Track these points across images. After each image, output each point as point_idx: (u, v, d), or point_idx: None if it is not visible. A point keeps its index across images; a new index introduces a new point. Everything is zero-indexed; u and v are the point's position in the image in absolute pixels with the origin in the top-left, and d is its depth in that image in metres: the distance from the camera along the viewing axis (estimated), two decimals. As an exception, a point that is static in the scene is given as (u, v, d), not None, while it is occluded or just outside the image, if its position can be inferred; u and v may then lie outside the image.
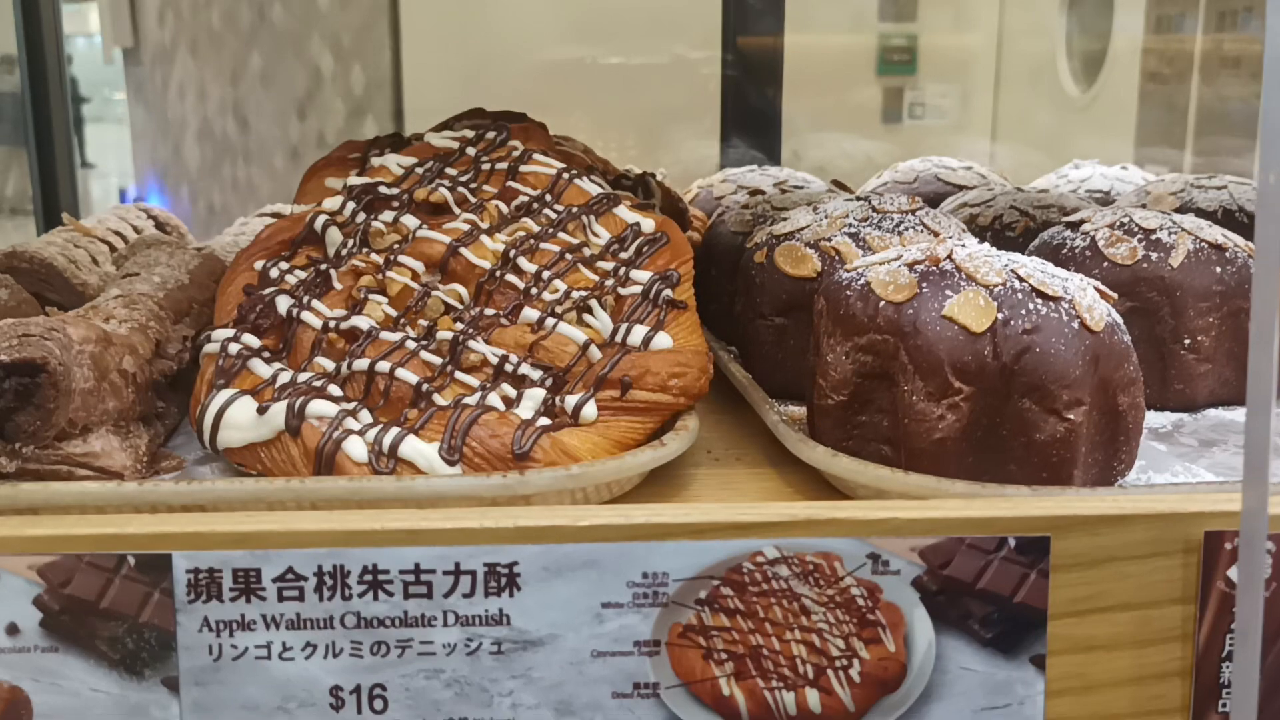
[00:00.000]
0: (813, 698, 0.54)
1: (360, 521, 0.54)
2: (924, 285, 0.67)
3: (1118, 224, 0.87)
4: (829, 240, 0.86)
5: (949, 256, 0.69)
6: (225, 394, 0.70)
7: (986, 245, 0.71)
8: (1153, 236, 0.85)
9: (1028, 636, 0.55)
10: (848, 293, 0.69)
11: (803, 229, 0.88)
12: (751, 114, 1.70)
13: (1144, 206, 0.97)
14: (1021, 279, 0.67)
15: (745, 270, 0.90)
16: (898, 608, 0.55)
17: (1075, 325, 0.66)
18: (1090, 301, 0.68)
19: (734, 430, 0.83)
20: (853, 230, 0.86)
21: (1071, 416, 0.65)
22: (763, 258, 0.88)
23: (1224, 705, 0.56)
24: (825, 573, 0.54)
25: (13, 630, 0.53)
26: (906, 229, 0.86)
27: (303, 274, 0.79)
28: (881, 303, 0.67)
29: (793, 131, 1.65)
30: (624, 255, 0.79)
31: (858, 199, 0.92)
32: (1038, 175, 1.45)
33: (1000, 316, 0.65)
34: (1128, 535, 0.55)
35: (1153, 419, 0.82)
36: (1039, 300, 0.66)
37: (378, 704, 0.54)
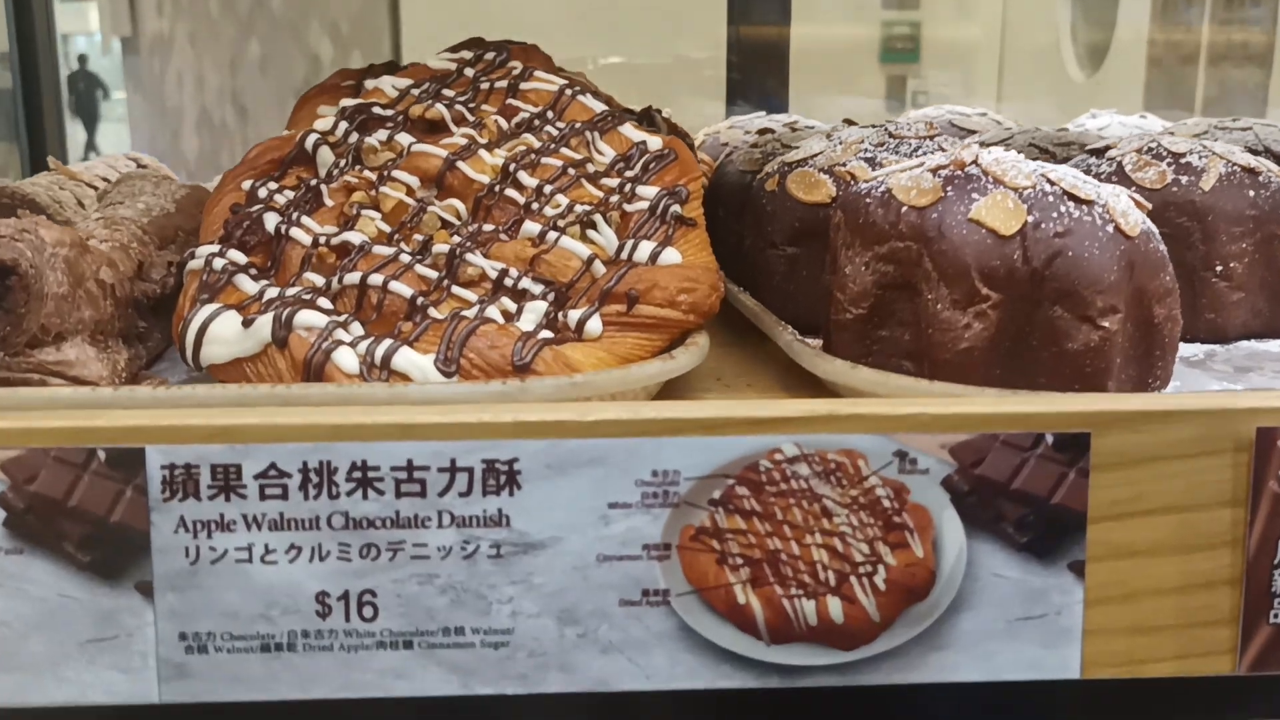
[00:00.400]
0: (835, 606, 0.51)
1: (349, 415, 0.50)
2: (949, 189, 0.63)
3: (1145, 149, 0.83)
4: (844, 165, 0.82)
5: (975, 161, 0.65)
6: (209, 308, 0.66)
7: (1014, 152, 0.67)
8: (1182, 160, 0.82)
9: (1065, 541, 0.51)
10: (867, 200, 0.66)
11: (816, 155, 0.84)
12: (758, 104, 1.67)
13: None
14: (1052, 183, 0.64)
15: (755, 200, 0.86)
16: (926, 510, 0.51)
17: (1109, 229, 0.62)
18: (1125, 207, 0.64)
19: (745, 360, 0.79)
20: (868, 155, 0.83)
21: (1106, 324, 0.61)
22: (774, 185, 0.84)
23: (1275, 615, 0.52)
24: (848, 472, 0.50)
25: (-26, 530, 0.49)
26: (924, 154, 0.82)
27: (292, 194, 0.75)
28: (904, 208, 0.64)
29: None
30: (630, 173, 0.75)
31: (873, 126, 0.88)
32: None
33: (1030, 219, 0.62)
34: (1174, 432, 0.51)
35: (1183, 350, 0.78)
36: (1071, 203, 0.63)
37: (367, 611, 0.50)
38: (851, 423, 0.50)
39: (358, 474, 0.49)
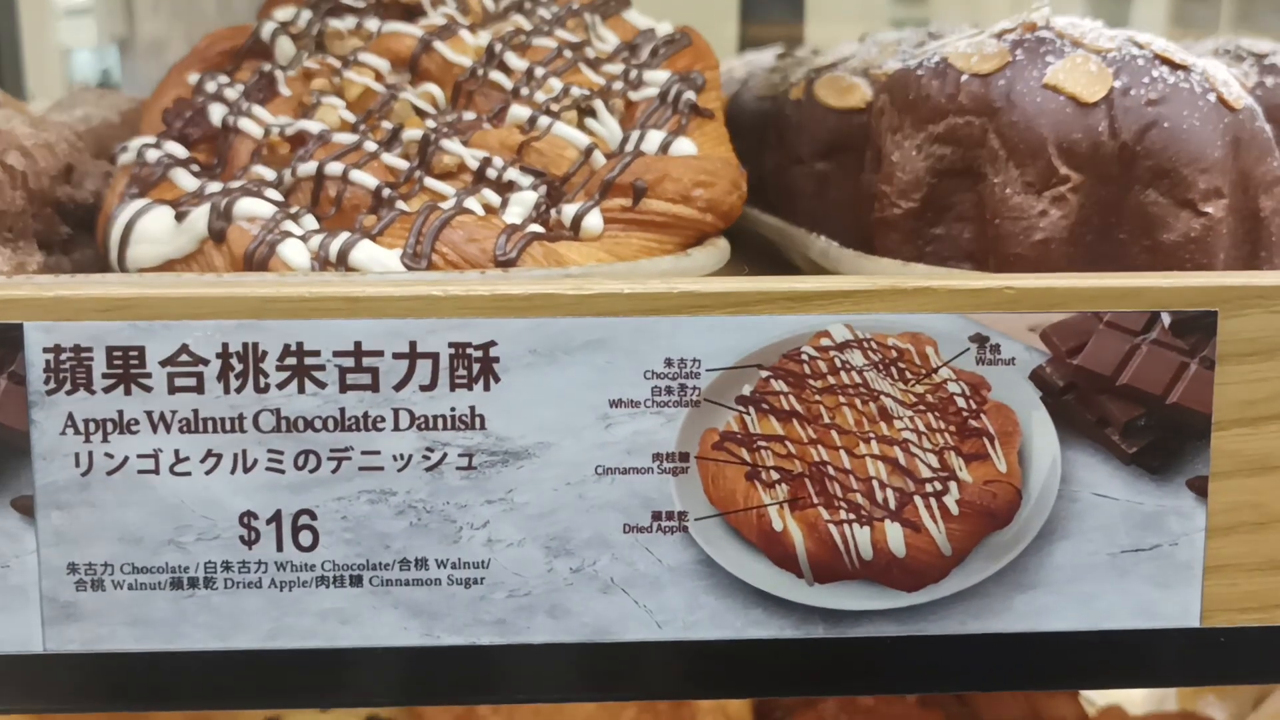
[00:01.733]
0: (894, 535, 0.40)
1: (280, 286, 0.39)
2: (1018, 53, 0.53)
3: (1224, 50, 0.73)
4: (879, 67, 0.71)
5: (1047, 24, 0.55)
6: (138, 203, 0.56)
7: (1090, 19, 0.57)
8: (1266, 60, 0.71)
9: (1186, 451, 0.41)
10: (919, 74, 0.55)
11: (847, 59, 0.74)
12: None
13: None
14: (1140, 45, 0.53)
15: (780, 113, 0.76)
16: (1011, 411, 0.40)
17: (1211, 99, 0.52)
18: (1225, 76, 0.54)
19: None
20: (907, 57, 0.72)
21: (1209, 210, 0.51)
22: (801, 93, 0.74)
23: None
24: (913, 362, 0.40)
25: None
26: (972, 53, 0.72)
27: (245, 87, 0.65)
28: (964, 77, 0.53)
29: None
30: (635, 61, 0.64)
31: (911, 29, 0.78)
32: None
33: (1118, 85, 0.51)
34: (1323, 312, 0.40)
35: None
36: (1164, 68, 0.52)
37: (304, 537, 0.39)
38: (918, 298, 0.40)
39: (292, 360, 0.39)
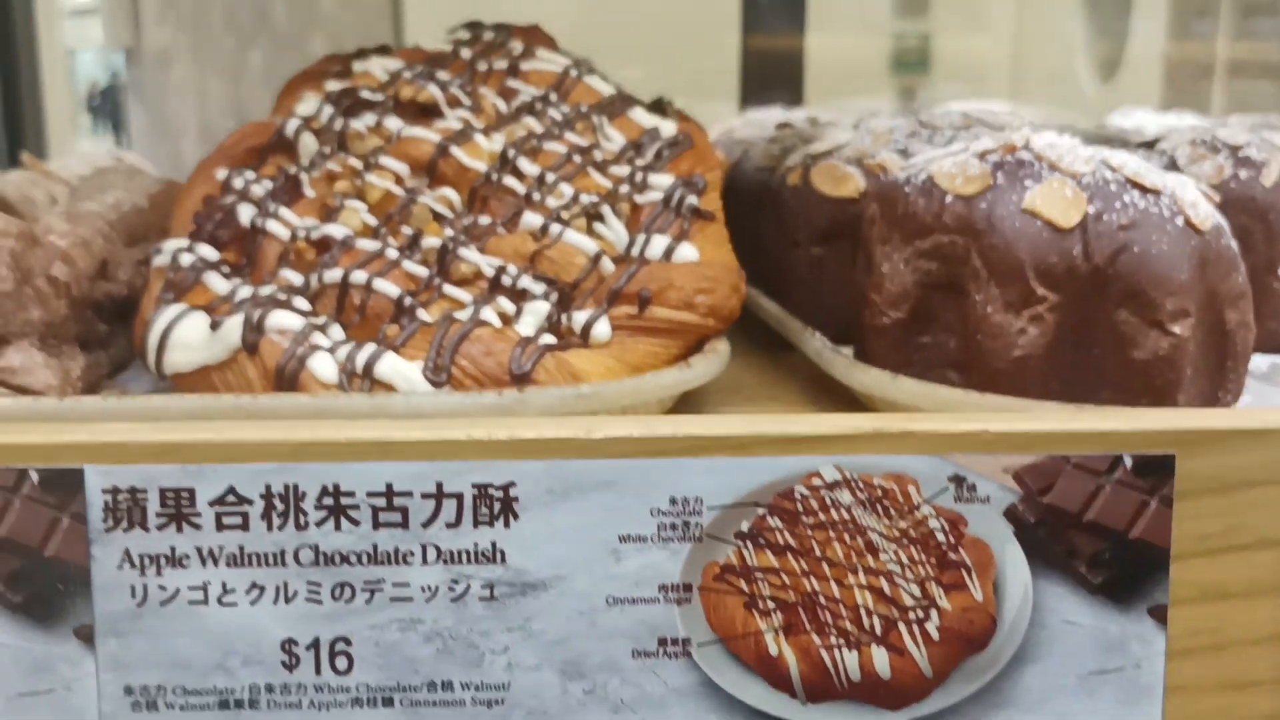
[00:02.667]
0: (880, 658, 0.44)
1: (319, 431, 0.43)
2: (999, 175, 0.57)
3: (1200, 140, 0.76)
4: (873, 157, 0.75)
5: (1027, 145, 0.58)
6: (174, 309, 0.59)
7: (1067, 135, 0.61)
8: (1240, 153, 0.75)
9: (1147, 581, 0.44)
10: (906, 189, 0.59)
11: (842, 146, 0.78)
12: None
13: (1223, 130, 0.87)
14: (1113, 169, 0.57)
15: (776, 196, 0.80)
16: (986, 545, 0.44)
17: (1179, 222, 0.55)
18: (1194, 198, 0.57)
19: (768, 371, 0.72)
20: (900, 146, 0.76)
21: (1177, 330, 0.54)
22: (797, 179, 0.78)
23: (1390, 667, 0.45)
24: (897, 500, 0.44)
25: (-117, 565, 0.42)
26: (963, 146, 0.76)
27: (271, 184, 0.68)
28: (949, 197, 0.57)
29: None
30: (640, 162, 0.68)
31: (902, 117, 0.82)
32: None
33: (1092, 210, 0.55)
34: (1272, 453, 0.44)
35: (1246, 359, 0.72)
36: (1135, 192, 0.56)
37: (340, 662, 0.43)
38: (901, 441, 0.43)
39: (329, 500, 0.43)
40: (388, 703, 0.43)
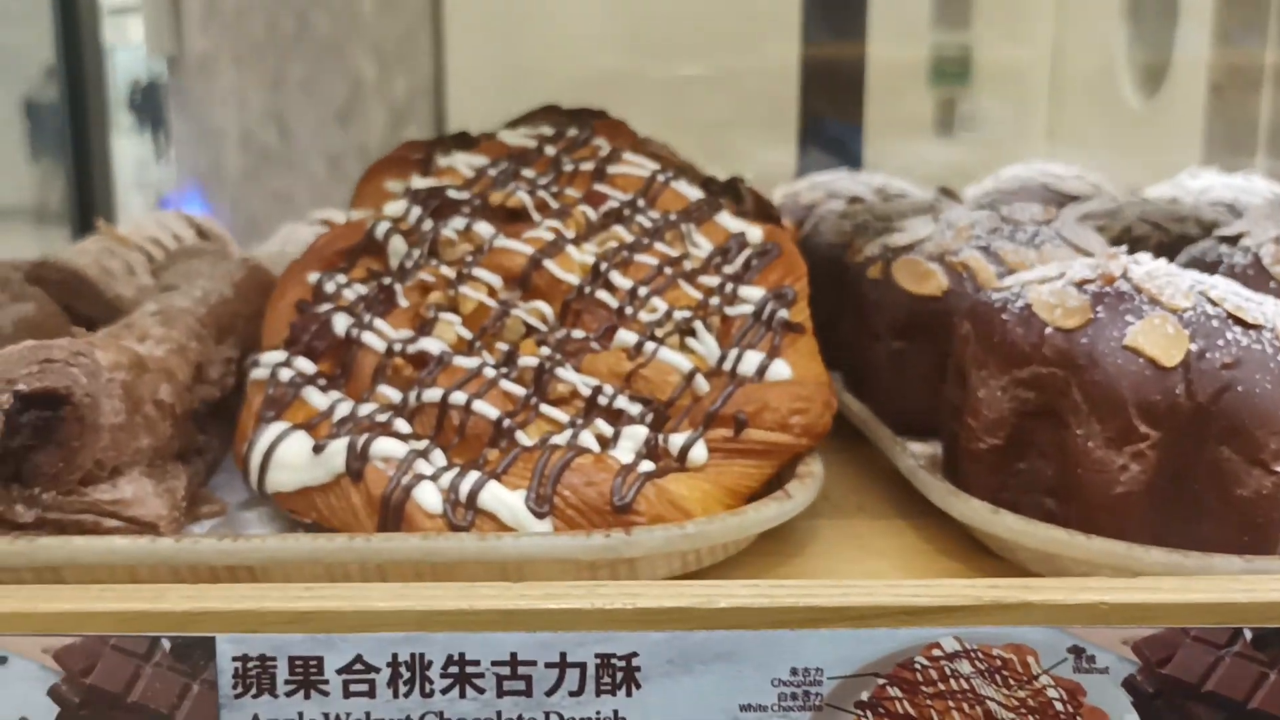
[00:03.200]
0: (996, 823, 0.44)
1: (445, 599, 0.44)
2: (1099, 309, 0.57)
3: (1288, 238, 0.76)
4: (955, 254, 0.75)
5: (1124, 274, 0.58)
6: (275, 429, 0.60)
7: (1163, 261, 0.61)
8: (1332, 249, 0.74)
9: (1265, 751, 0.44)
10: (1004, 316, 0.59)
11: (923, 240, 0.78)
12: (831, 128, 1.55)
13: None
14: (1214, 302, 0.57)
15: (856, 286, 0.80)
16: (1104, 714, 0.44)
17: (1283, 359, 0.55)
18: (1297, 331, 0.57)
19: (851, 469, 0.72)
20: (982, 243, 0.76)
21: (1279, 469, 0.54)
22: (878, 273, 0.78)
23: None
24: (1015, 670, 0.44)
25: (23, 727, 0.43)
26: (1043, 242, 0.76)
27: (362, 288, 0.69)
28: (1048, 329, 0.57)
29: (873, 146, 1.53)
30: (729, 269, 0.68)
31: (982, 207, 0.81)
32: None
33: (1194, 348, 0.55)
34: (1394, 626, 0.44)
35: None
36: (1238, 328, 0.56)
37: (463, 823, 0.44)
38: (1020, 613, 0.44)
39: (454, 669, 0.43)
40: None
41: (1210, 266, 0.78)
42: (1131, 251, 0.92)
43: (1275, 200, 1.06)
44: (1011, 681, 0.44)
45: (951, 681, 0.44)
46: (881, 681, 0.44)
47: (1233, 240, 0.79)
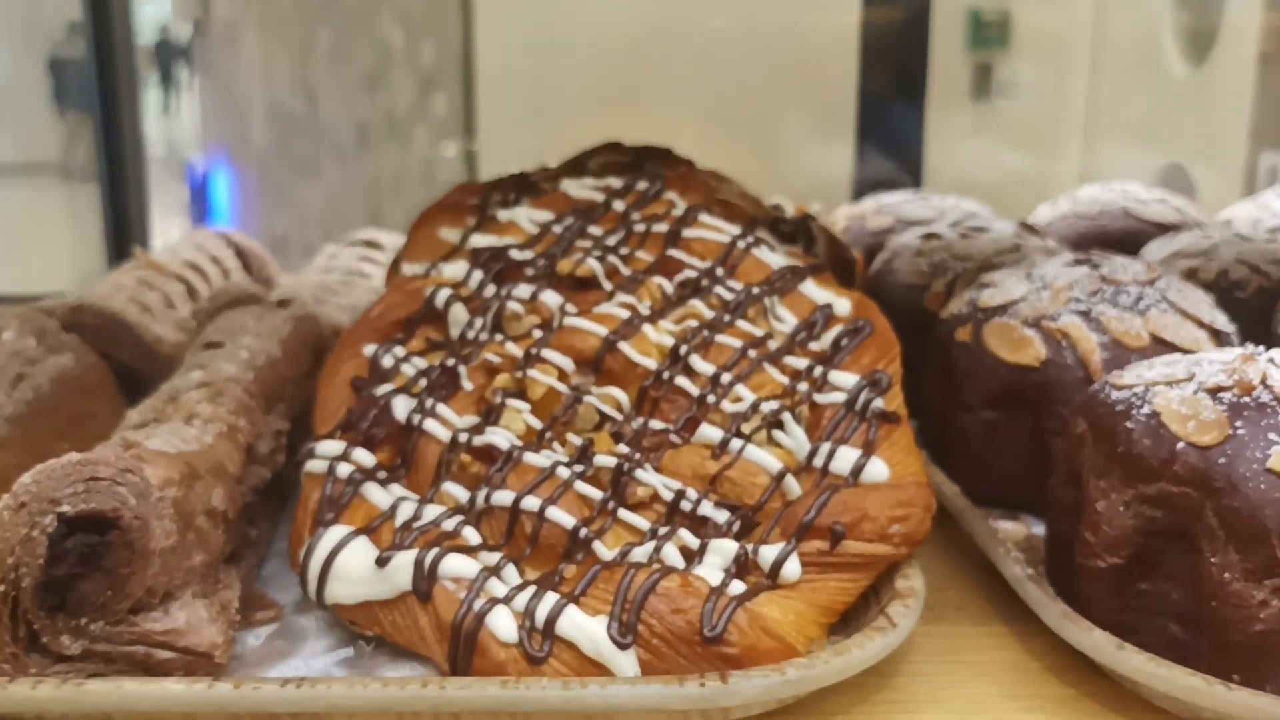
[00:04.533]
0: None
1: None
2: (1237, 424, 0.52)
3: None
4: (1053, 320, 0.70)
5: (1264, 382, 0.53)
6: (335, 534, 0.56)
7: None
8: None
9: None
10: (1129, 424, 0.54)
11: (1017, 302, 0.72)
12: (892, 108, 1.47)
13: None
14: (1367, 416, 0.51)
15: (944, 349, 0.75)
16: None
17: None
18: None
19: (945, 557, 0.68)
20: (1082, 307, 0.70)
21: None
22: (968, 336, 0.73)
23: None
24: None
25: None
26: (1149, 307, 0.70)
27: (421, 362, 0.65)
28: (1180, 444, 0.52)
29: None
30: (816, 346, 0.63)
31: (1078, 262, 0.76)
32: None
33: (1347, 472, 0.50)
34: None
35: None
36: (1393, 448, 0.50)
37: None
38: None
39: None
40: None
41: (1327, 330, 0.72)
42: (1229, 296, 0.87)
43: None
44: None
45: None
46: None
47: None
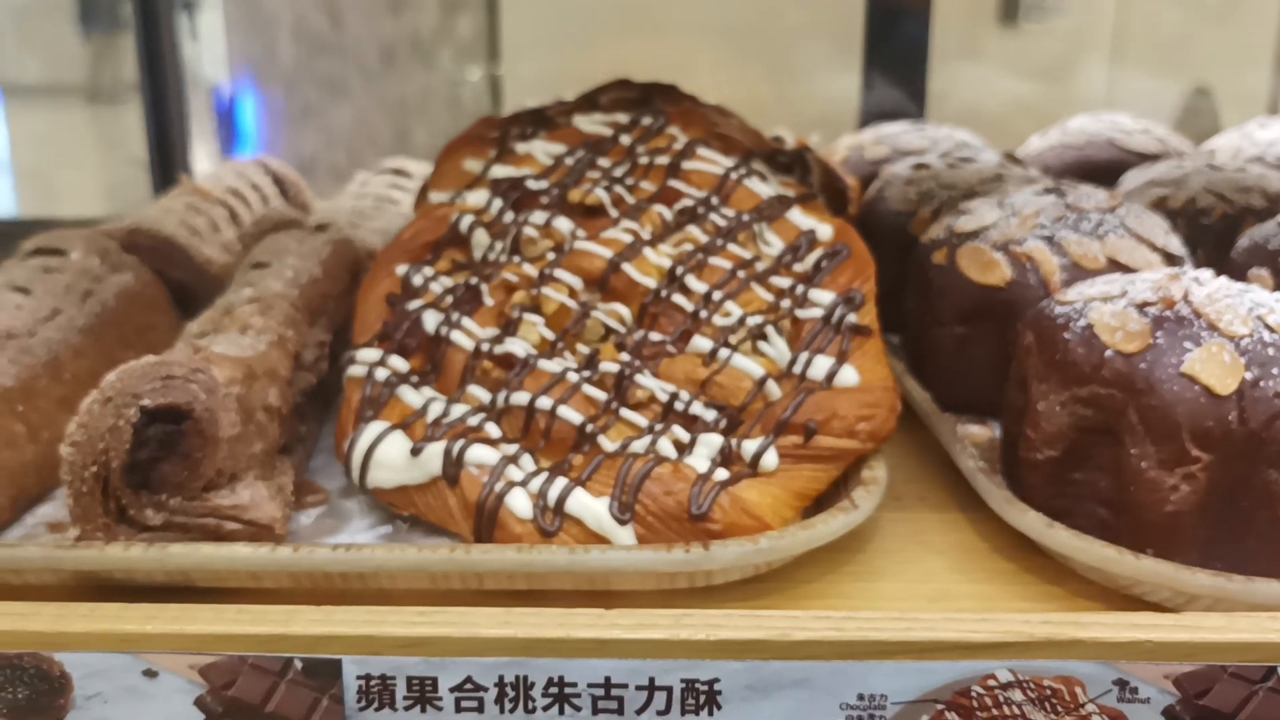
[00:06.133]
0: (1042, 829, 0.49)
1: (545, 628, 0.48)
2: (1159, 334, 0.59)
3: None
4: (1020, 244, 0.77)
5: (1185, 297, 0.60)
6: (375, 428, 0.65)
7: (1224, 280, 0.63)
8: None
9: (1292, 773, 0.48)
10: (1066, 335, 0.62)
11: (988, 227, 0.80)
12: (897, 36, 1.49)
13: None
14: (1271, 329, 0.59)
15: (922, 269, 0.82)
16: (1145, 739, 0.48)
17: (1336, 386, 0.57)
18: (1352, 355, 0.59)
19: (913, 456, 0.76)
20: (1046, 233, 0.78)
21: (1327, 491, 0.57)
22: (943, 259, 0.80)
23: None
24: (1064, 699, 0.48)
25: (173, 733, 0.49)
26: (1107, 232, 0.77)
27: (448, 280, 0.73)
28: (1108, 352, 0.60)
29: (938, 62, 1.49)
30: (799, 268, 0.71)
31: (1048, 190, 0.83)
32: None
33: (1249, 376, 0.57)
34: None
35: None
36: (1294, 356, 0.58)
37: (561, 821, 0.49)
38: (1070, 649, 0.48)
39: (554, 690, 0.48)
40: None
41: (1273, 255, 0.79)
42: (1195, 223, 0.94)
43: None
44: (1060, 709, 0.48)
45: (1005, 708, 0.48)
46: (940, 707, 0.48)
47: (1298, 221, 0.80)
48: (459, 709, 0.48)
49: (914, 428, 0.77)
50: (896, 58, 1.41)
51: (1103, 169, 1.10)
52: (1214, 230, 0.92)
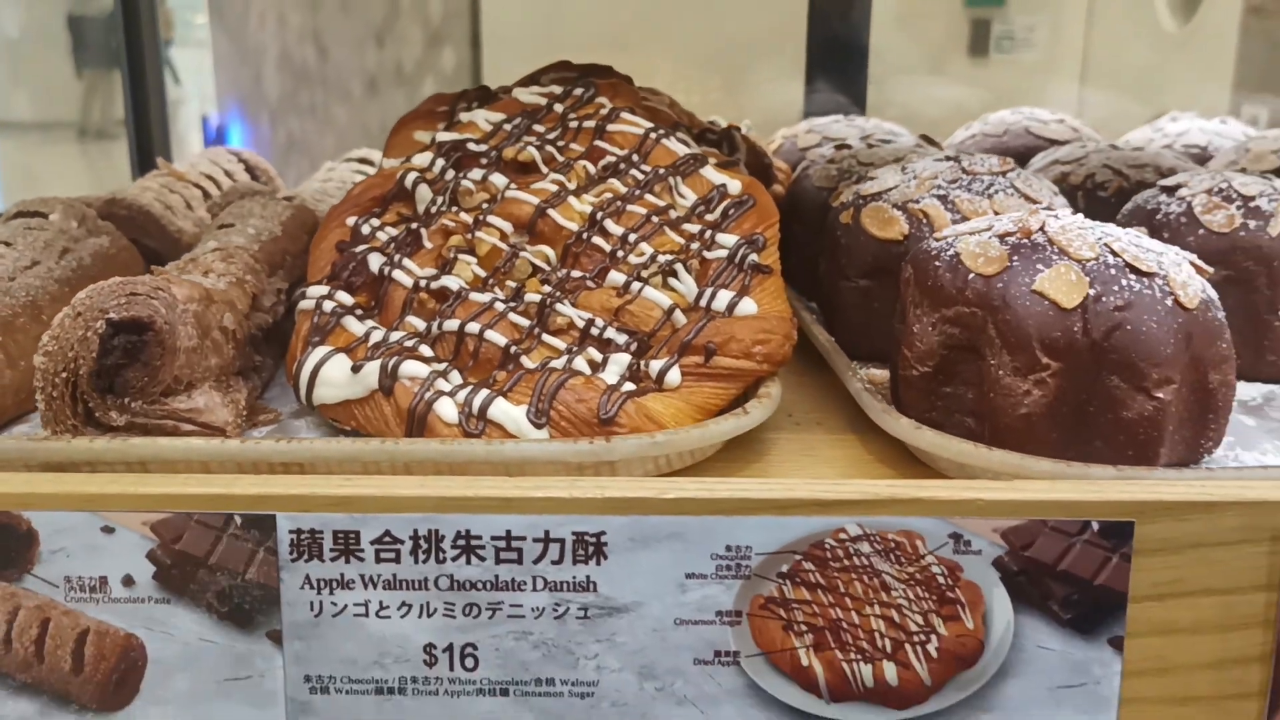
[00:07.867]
0: (890, 671, 0.56)
1: (455, 488, 0.55)
2: (1014, 258, 0.67)
3: (1216, 189, 0.85)
4: (916, 202, 0.85)
5: (1041, 228, 0.68)
6: (320, 351, 0.72)
7: (1080, 216, 0.70)
8: (1252, 204, 0.83)
9: (1107, 618, 0.55)
10: (936, 263, 0.69)
11: (890, 189, 0.87)
12: (837, 51, 1.61)
13: (1244, 170, 0.95)
14: (1115, 254, 0.67)
15: (831, 230, 0.90)
16: (977, 586, 0.55)
17: (1169, 303, 0.65)
18: (1185, 277, 0.67)
19: (816, 393, 0.83)
20: (941, 193, 0.85)
21: (1160, 395, 0.64)
22: (849, 218, 0.88)
23: (1305, 692, 0.56)
24: (906, 550, 0.55)
25: (128, 582, 0.56)
26: (997, 192, 0.85)
27: (394, 231, 0.80)
28: (971, 275, 0.67)
29: (879, 69, 1.58)
30: (710, 217, 0.79)
31: (947, 158, 0.91)
32: (1131, 124, 1.41)
33: (1091, 292, 0.65)
34: (1215, 522, 0.55)
35: (1244, 390, 0.81)
36: (1132, 276, 0.65)
37: (469, 662, 0.56)
38: (911, 506, 0.55)
39: (462, 542, 0.55)
40: (504, 693, 0.56)
41: (1150, 214, 0.87)
42: (1093, 195, 1.02)
43: (1239, 146, 1.14)
44: (903, 559, 0.55)
45: (855, 559, 0.55)
46: (798, 557, 0.55)
47: (1172, 190, 0.88)
48: (379, 559, 0.55)
49: (822, 369, 0.85)
50: (836, 67, 1.51)
51: (1019, 155, 1.18)
52: (1110, 204, 1.00)
